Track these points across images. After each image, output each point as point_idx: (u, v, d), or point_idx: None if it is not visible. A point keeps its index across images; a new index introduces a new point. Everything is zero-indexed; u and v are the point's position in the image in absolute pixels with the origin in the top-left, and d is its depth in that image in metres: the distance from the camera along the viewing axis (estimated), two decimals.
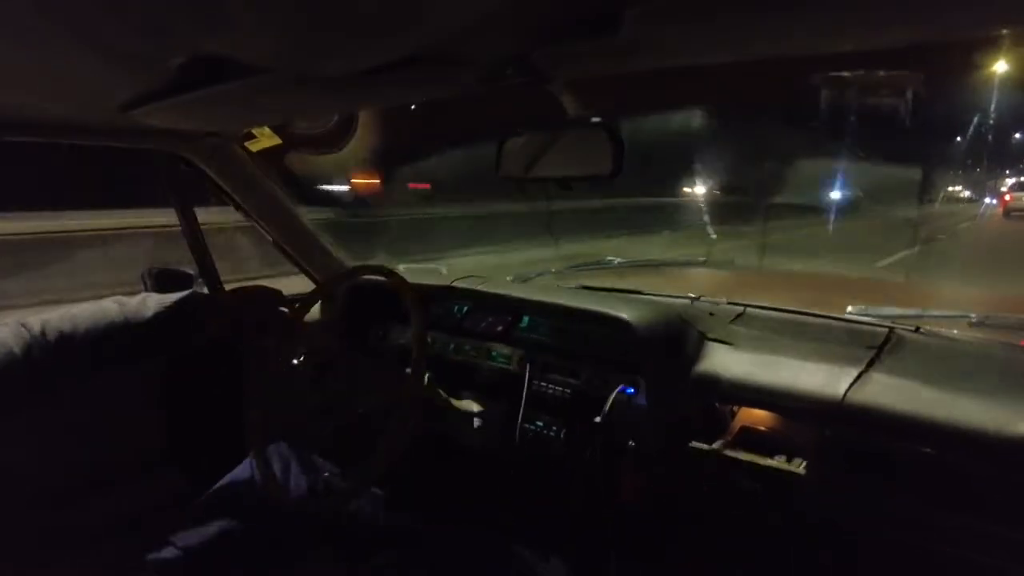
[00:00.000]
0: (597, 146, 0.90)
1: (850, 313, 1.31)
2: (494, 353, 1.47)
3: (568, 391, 1.36)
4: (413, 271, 1.74)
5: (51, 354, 1.02)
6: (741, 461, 1.15)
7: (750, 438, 1.19)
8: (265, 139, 1.47)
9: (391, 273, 1.40)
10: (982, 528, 0.92)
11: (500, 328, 1.50)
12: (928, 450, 0.96)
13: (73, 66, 0.85)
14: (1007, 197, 20.19)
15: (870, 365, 1.06)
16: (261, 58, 0.82)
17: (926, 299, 1.44)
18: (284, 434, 1.36)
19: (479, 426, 1.50)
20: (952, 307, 1.27)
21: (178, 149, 1.44)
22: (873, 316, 1.27)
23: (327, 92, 1.01)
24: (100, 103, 1.07)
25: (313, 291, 1.39)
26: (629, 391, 1.26)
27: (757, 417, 1.22)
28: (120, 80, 0.95)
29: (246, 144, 1.49)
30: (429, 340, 1.50)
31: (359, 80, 0.91)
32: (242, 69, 0.87)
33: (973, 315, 1.19)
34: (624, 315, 1.30)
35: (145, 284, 1.54)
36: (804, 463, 1.10)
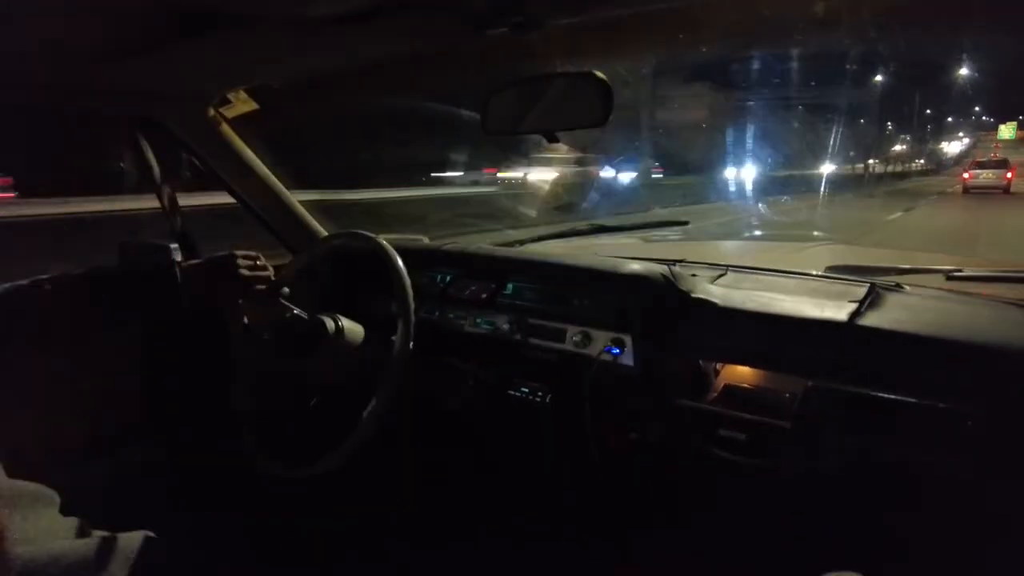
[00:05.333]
0: (584, 97, 0.90)
1: (830, 271, 1.33)
2: (478, 320, 1.47)
3: (554, 356, 1.37)
4: (394, 242, 1.73)
5: (26, 325, 1.00)
6: (726, 417, 1.17)
7: (734, 395, 1.20)
8: (241, 104, 1.44)
9: (373, 240, 1.38)
10: (966, 472, 0.95)
11: (484, 295, 1.49)
12: (911, 398, 0.99)
13: (41, 13, 0.82)
14: (966, 176, 20.72)
15: (853, 317, 1.08)
16: (243, 3, 0.80)
17: (905, 259, 1.46)
18: (266, 403, 1.34)
19: (465, 394, 1.50)
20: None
21: (152, 114, 1.40)
22: (853, 273, 1.29)
23: (308, 43, 0.98)
24: (71, 56, 1.03)
25: (294, 258, 1.37)
26: (615, 351, 1.27)
27: (740, 375, 1.23)
28: (92, 30, 0.91)
29: (221, 110, 1.46)
30: (413, 309, 1.49)
31: (343, 29, 0.89)
32: (223, 17, 0.84)
33: (949, 269, 1.22)
34: (609, 275, 1.30)
35: (120, 254, 1.51)
36: (787, 417, 1.12)
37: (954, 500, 0.95)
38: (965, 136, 51.87)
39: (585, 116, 0.92)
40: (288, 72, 1.26)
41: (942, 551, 0.95)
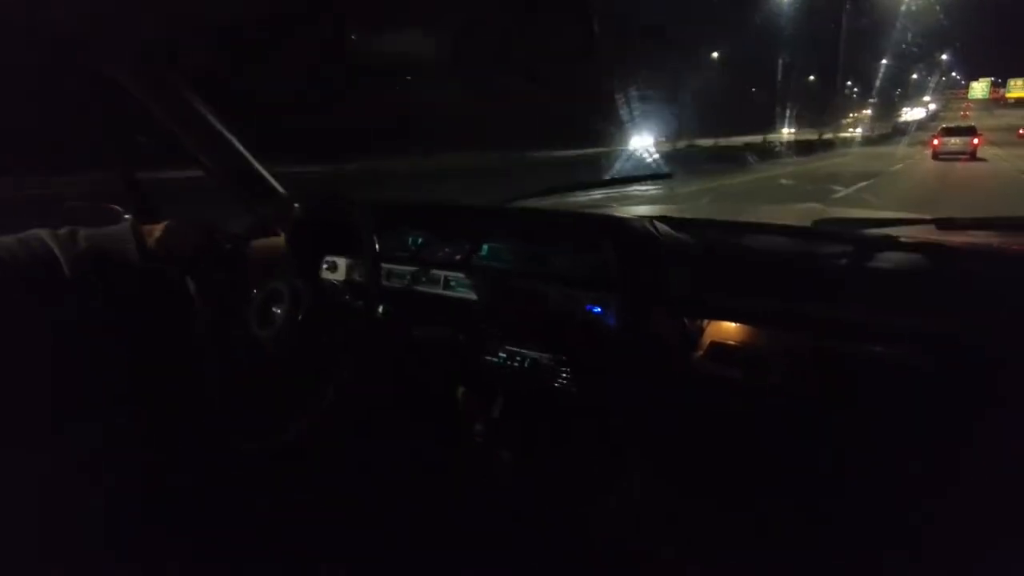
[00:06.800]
0: (569, 25, 0.83)
1: (815, 224, 1.28)
2: (453, 284, 1.41)
3: (533, 318, 1.31)
4: (365, 203, 1.66)
5: None
6: (713, 376, 1.13)
7: (721, 353, 1.16)
8: (195, 55, 1.34)
9: (342, 200, 1.31)
10: (964, 423, 0.92)
11: (459, 257, 1.43)
12: (906, 350, 0.95)
13: None
14: (935, 142, 21.24)
15: (844, 268, 1.04)
16: None
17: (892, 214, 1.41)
18: (233, 371, 1.28)
19: (439, 362, 1.45)
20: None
21: (102, 67, 1.30)
22: (841, 226, 1.25)
23: None
24: None
25: (255, 220, 1.30)
26: (596, 310, 1.22)
27: (727, 332, 1.19)
28: None
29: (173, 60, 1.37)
30: (384, 273, 1.42)
31: None
32: None
33: (937, 218, 1.18)
34: (589, 231, 1.25)
35: (67, 220, 1.41)
36: (777, 374, 1.09)
37: (952, 454, 0.92)
38: (932, 102, 49.97)
39: (565, 48, 0.85)
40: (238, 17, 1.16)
41: (938, 510, 0.93)
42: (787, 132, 29.45)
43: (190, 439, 1.28)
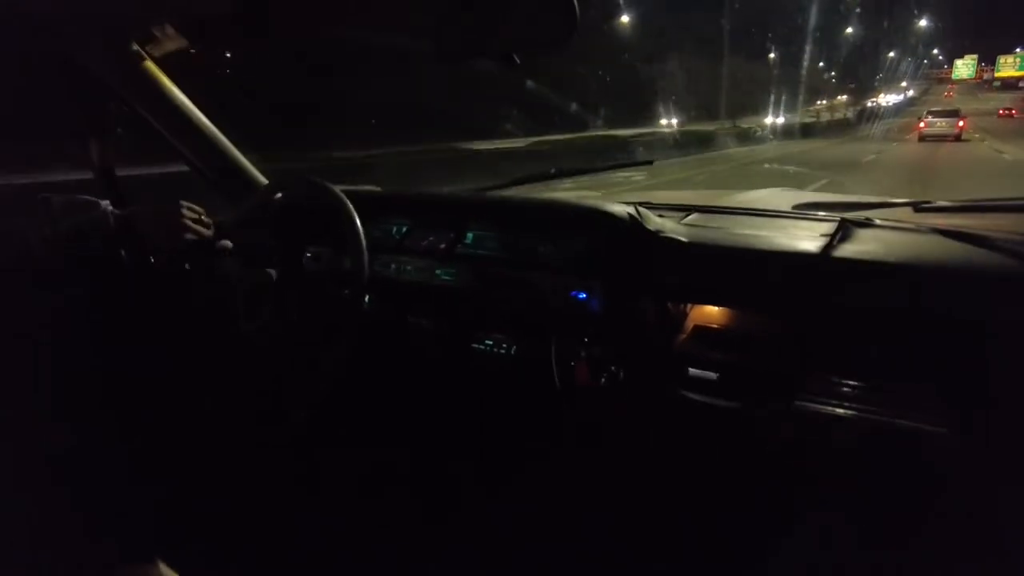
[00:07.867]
0: (544, 12, 0.82)
1: (797, 208, 1.29)
2: (438, 271, 1.40)
3: (518, 305, 1.31)
4: (345, 191, 1.64)
5: None
6: (696, 358, 1.14)
7: (704, 336, 1.17)
8: (168, 40, 1.31)
9: (323, 187, 1.30)
10: (944, 405, 0.94)
11: (443, 245, 1.42)
12: (885, 331, 0.97)
13: None
14: (922, 124, 21.57)
15: (825, 250, 1.05)
16: None
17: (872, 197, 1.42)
18: (218, 362, 1.27)
19: (425, 351, 1.45)
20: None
21: (71, 51, 1.27)
22: (821, 209, 1.26)
23: None
24: None
25: (235, 208, 1.28)
26: (581, 296, 1.22)
27: (710, 315, 1.20)
28: None
29: (147, 48, 1.34)
30: (368, 262, 1.42)
31: None
32: None
33: (914, 201, 1.20)
34: (573, 218, 1.25)
35: (43, 212, 1.39)
36: (757, 356, 1.10)
37: (930, 435, 0.93)
38: (910, 88, 47.56)
39: (547, 35, 0.84)
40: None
41: (921, 487, 0.94)
42: (666, 123, 25.31)
43: (180, 432, 1.27)
